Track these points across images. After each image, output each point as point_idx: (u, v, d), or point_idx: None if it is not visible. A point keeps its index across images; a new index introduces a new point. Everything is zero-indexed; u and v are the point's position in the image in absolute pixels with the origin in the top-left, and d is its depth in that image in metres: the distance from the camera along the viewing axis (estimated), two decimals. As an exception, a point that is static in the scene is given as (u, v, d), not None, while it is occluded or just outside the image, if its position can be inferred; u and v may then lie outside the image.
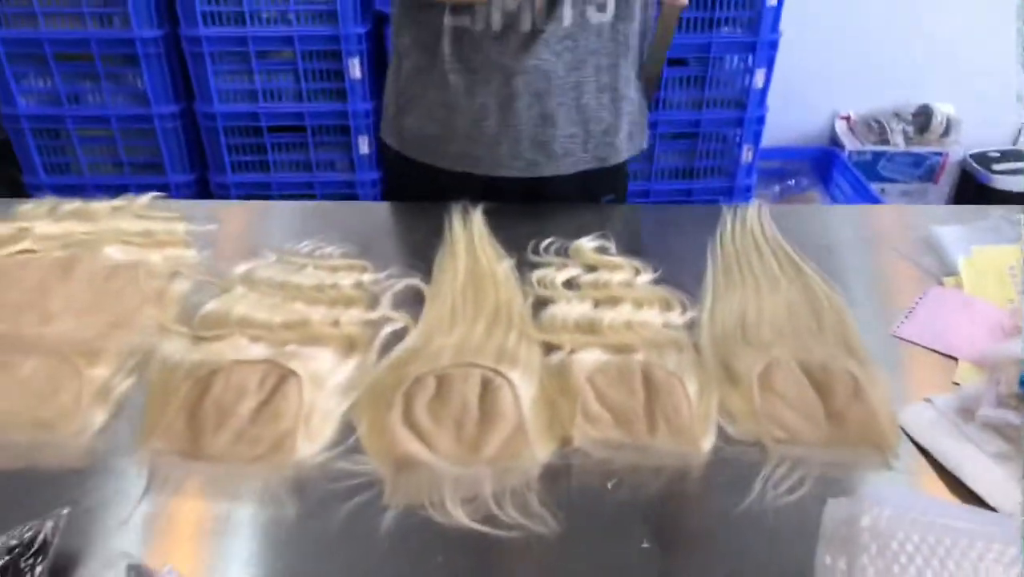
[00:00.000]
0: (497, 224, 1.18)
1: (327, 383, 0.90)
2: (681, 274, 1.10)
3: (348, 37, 2.09)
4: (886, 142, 2.85)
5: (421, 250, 1.14)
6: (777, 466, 0.80)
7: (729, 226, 1.20)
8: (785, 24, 2.25)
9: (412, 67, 1.24)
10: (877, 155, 2.87)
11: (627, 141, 1.30)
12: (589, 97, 1.22)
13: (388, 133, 1.33)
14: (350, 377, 0.92)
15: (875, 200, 2.60)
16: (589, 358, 0.92)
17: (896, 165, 2.89)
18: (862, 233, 1.24)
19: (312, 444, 0.83)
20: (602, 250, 1.14)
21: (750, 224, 1.21)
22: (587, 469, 0.81)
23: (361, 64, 2.13)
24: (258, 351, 0.94)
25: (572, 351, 0.94)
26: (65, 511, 0.73)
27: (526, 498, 0.77)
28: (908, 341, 1.00)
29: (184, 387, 0.88)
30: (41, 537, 0.69)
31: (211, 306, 1.02)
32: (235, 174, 2.30)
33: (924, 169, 2.91)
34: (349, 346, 0.96)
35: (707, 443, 0.83)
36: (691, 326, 1.00)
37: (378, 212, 1.32)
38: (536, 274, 1.08)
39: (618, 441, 0.83)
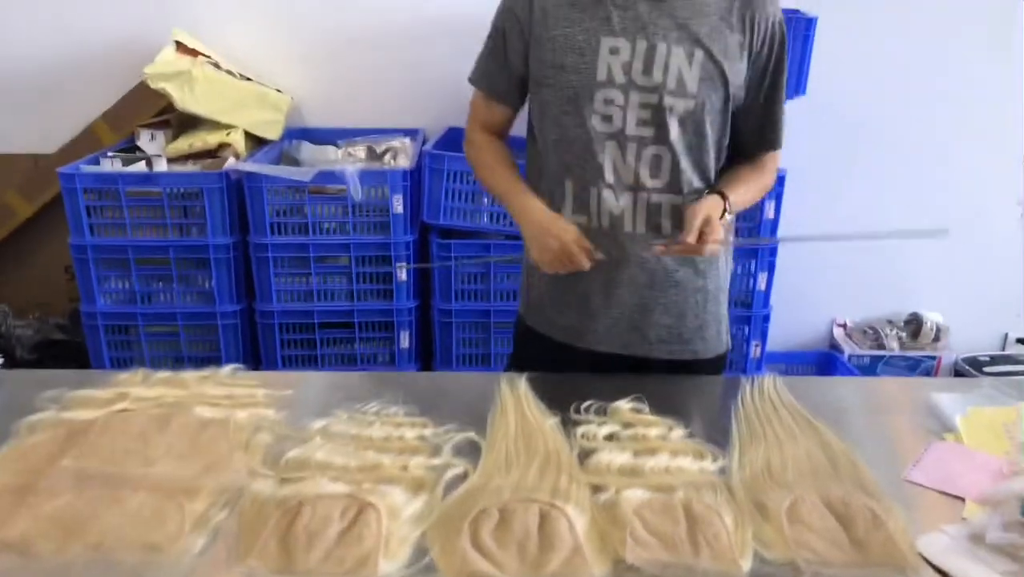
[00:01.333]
0: (540, 390, 1.30)
1: (401, 514, 0.99)
2: (709, 431, 1.20)
3: (398, 245, 2.31)
4: (881, 346, 3.00)
5: (474, 411, 1.26)
6: (809, 582, 0.88)
7: (748, 393, 1.32)
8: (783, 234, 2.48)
9: None
10: (875, 358, 3.00)
11: (716, 339, 1.46)
12: (685, 296, 1.39)
13: (521, 304, 1.52)
14: (420, 510, 1.01)
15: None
16: (635, 496, 1.02)
17: (894, 368, 3.02)
18: (867, 399, 1.36)
19: (391, 563, 0.91)
20: (637, 410, 1.25)
21: (767, 391, 1.33)
22: (640, 584, 0.88)
23: (407, 268, 2.34)
24: (339, 488, 1.04)
25: (618, 491, 1.03)
26: (181, 611, 0.81)
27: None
28: (918, 485, 1.09)
29: (275, 516, 0.98)
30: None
31: (293, 453, 1.13)
32: (285, 367, 2.44)
33: (920, 371, 3.03)
34: (417, 486, 1.06)
35: (746, 564, 0.91)
36: (722, 472, 1.10)
37: (434, 380, 1.46)
38: (580, 430, 1.19)
39: (666, 561, 0.91)
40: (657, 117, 1.29)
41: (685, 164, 1.32)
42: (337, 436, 1.19)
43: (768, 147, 1.42)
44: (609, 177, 1.32)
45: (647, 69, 1.28)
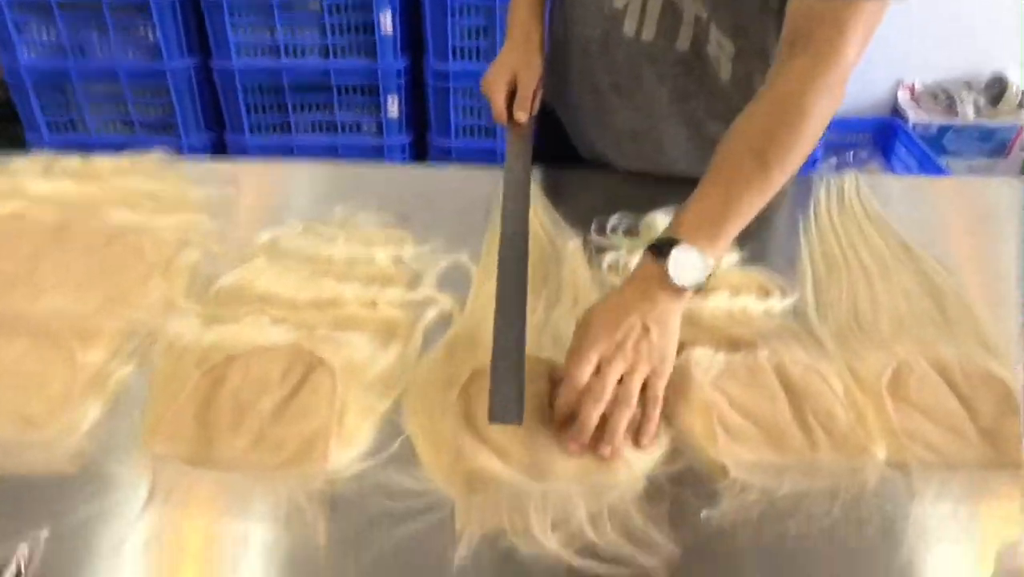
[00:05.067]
0: (556, 195, 1.04)
1: (364, 375, 0.77)
2: (771, 254, 0.95)
3: (379, -14, 1.94)
4: (954, 114, 2.67)
5: (468, 221, 1.01)
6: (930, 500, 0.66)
7: (824, 201, 1.05)
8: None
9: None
10: (943, 128, 2.68)
11: None
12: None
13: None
14: (391, 369, 0.78)
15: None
16: (707, 359, 0.78)
17: (963, 139, 2.71)
18: (970, 209, 1.09)
19: (348, 450, 0.70)
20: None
21: (848, 199, 1.06)
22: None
23: (393, 18, 1.97)
24: (282, 335, 0.81)
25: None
26: (44, 533, 0.60)
27: (630, 520, 0.64)
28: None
29: (194, 377, 0.76)
30: (12, 568, 0.57)
31: (227, 280, 0.89)
32: (254, 135, 2.17)
33: (994, 143, 2.73)
34: (388, 331, 0.83)
35: (881, 450, 0.70)
36: (797, 313, 0.86)
37: (418, 176, 1.18)
38: (606, 259, 0.93)
39: (776, 462, 0.69)
40: None
41: None
42: (286, 255, 0.94)
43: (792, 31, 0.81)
44: None
45: None
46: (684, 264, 0.72)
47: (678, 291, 0.73)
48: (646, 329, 0.71)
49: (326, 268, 0.92)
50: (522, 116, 1.09)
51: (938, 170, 2.46)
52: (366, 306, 0.86)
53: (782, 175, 0.76)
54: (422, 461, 0.69)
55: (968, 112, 2.66)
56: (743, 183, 0.75)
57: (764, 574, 0.61)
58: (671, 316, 0.73)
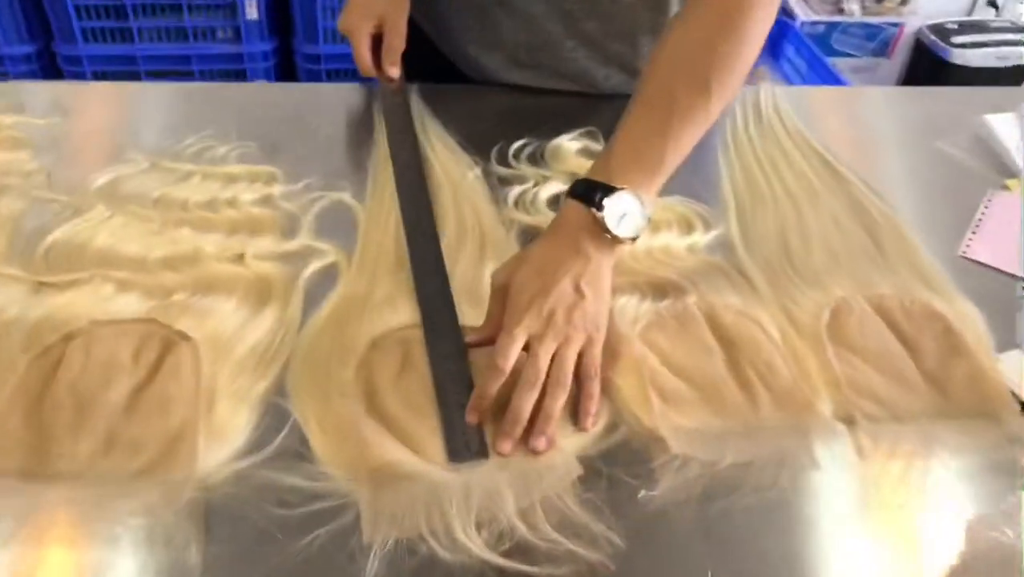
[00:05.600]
0: (448, 114, 0.93)
1: (234, 350, 0.66)
2: (689, 181, 0.87)
3: None
4: (840, 11, 2.67)
5: (348, 150, 0.91)
6: (882, 459, 0.61)
7: (740, 118, 0.98)
8: None
9: None
10: (831, 27, 2.68)
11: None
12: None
13: None
14: (267, 340, 0.67)
15: (835, 78, 2.42)
16: (631, 307, 0.70)
17: (850, 38, 2.72)
18: (889, 123, 1.05)
19: (221, 445, 0.59)
20: (587, 153, 0.90)
21: (766, 115, 0.99)
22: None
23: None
24: (131, 304, 0.69)
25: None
26: None
27: (565, 511, 0.56)
28: (980, 264, 0.82)
29: (21, 363, 0.63)
30: None
31: (58, 235, 0.76)
32: (88, 44, 1.94)
33: (878, 43, 2.75)
34: (261, 293, 0.72)
35: (825, 404, 0.64)
36: (723, 248, 0.79)
37: (286, 96, 1.04)
38: (512, 192, 0.84)
39: (719, 429, 0.62)
40: None
41: None
42: (131, 201, 0.81)
43: None
44: None
45: None
46: (622, 211, 0.64)
47: (613, 242, 0.64)
48: (579, 293, 0.63)
49: (180, 215, 0.79)
50: (394, 72, 0.95)
51: (828, 72, 2.45)
52: (232, 261, 0.74)
53: (722, 103, 0.69)
54: (317, 455, 0.59)
55: (854, 8, 2.67)
56: (681, 114, 0.67)
57: (713, 555, 0.55)
58: (604, 273, 0.65)
